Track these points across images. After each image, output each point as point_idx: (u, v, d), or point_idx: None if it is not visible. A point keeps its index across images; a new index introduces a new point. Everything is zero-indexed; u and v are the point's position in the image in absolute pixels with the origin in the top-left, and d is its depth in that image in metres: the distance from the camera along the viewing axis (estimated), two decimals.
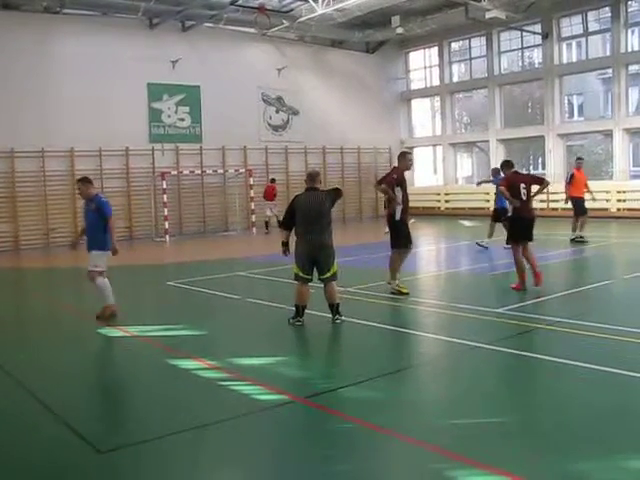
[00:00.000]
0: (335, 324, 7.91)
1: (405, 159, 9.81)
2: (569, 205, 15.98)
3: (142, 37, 21.87)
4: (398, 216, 9.57)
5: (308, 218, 7.83)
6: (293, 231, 8.05)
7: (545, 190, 10.34)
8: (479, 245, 14.85)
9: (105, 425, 5.08)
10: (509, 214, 10.55)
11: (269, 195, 22.70)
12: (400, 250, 9.74)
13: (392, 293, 9.62)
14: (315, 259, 7.87)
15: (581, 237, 15.19)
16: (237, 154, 24.10)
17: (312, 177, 8.15)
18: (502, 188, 10.12)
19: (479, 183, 17.65)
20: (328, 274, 7.90)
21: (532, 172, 29.19)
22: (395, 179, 9.60)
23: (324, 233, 7.87)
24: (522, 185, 9.79)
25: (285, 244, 8.11)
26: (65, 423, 5.03)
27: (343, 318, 7.96)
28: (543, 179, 10.12)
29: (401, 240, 9.67)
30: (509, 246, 11.64)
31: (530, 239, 9.89)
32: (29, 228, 19.63)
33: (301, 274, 7.92)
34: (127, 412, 5.37)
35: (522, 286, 9.65)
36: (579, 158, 16.36)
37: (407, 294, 9.54)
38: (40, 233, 20.05)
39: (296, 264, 7.96)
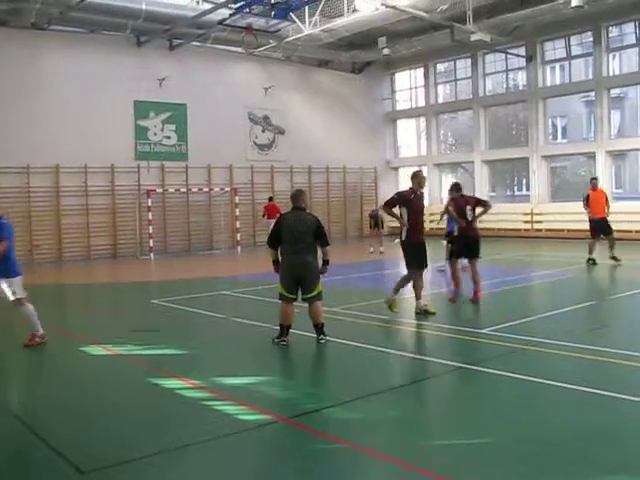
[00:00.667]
0: (320, 344, 7.88)
1: (416, 178, 9.66)
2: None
3: (129, 55, 21.91)
4: (404, 236, 9.53)
5: (294, 238, 7.82)
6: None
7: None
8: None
9: (87, 445, 5.00)
10: (455, 234, 11.14)
11: (273, 213, 21.66)
12: (414, 271, 9.61)
13: (417, 314, 9.51)
14: (300, 278, 7.85)
15: (593, 259, 14.96)
16: (223, 173, 24.12)
17: (296, 197, 8.16)
18: (450, 208, 10.90)
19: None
20: (313, 294, 7.88)
21: (517, 193, 29.50)
22: (395, 199, 9.59)
23: (310, 253, 7.86)
24: (468, 207, 10.48)
25: (276, 262, 8.09)
26: (46, 443, 4.95)
27: (328, 338, 7.93)
28: (487, 202, 10.73)
29: (412, 261, 9.57)
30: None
31: (476, 256, 10.48)
32: None
33: (286, 293, 7.90)
34: (109, 432, 5.29)
35: (457, 294, 10.39)
36: (593, 178, 16.07)
37: (433, 314, 9.41)
38: (24, 250, 19.79)
39: (281, 283, 7.95)
